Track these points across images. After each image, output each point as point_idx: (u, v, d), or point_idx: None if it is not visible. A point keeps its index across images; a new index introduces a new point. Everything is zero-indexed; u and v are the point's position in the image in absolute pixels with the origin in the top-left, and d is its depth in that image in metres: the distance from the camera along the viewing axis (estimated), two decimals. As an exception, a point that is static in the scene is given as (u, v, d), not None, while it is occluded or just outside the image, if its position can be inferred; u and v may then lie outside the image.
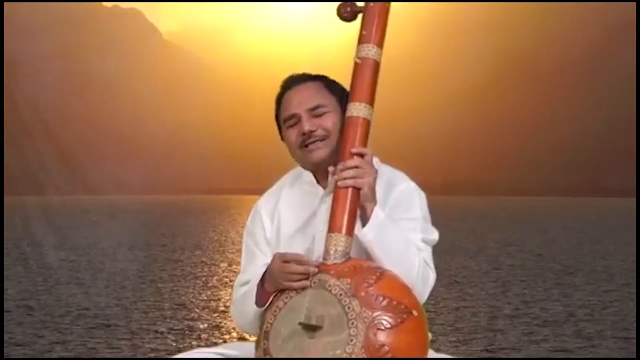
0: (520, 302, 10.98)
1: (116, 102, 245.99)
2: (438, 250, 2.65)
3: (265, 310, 2.52)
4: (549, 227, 33.49)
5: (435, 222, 2.65)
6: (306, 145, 2.61)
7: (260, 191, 2.86)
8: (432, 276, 2.56)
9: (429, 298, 2.57)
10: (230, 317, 9.48)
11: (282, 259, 2.48)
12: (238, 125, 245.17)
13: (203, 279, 13.74)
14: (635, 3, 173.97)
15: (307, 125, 2.60)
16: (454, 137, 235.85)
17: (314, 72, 2.68)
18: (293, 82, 2.70)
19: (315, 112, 2.61)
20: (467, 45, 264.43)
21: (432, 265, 2.57)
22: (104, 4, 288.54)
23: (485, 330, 8.69)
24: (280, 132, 2.71)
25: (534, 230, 31.18)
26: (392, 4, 2.63)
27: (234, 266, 15.94)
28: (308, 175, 2.70)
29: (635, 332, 8.62)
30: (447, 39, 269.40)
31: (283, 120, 2.67)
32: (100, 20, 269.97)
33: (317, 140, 2.61)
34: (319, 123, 2.60)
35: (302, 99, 2.64)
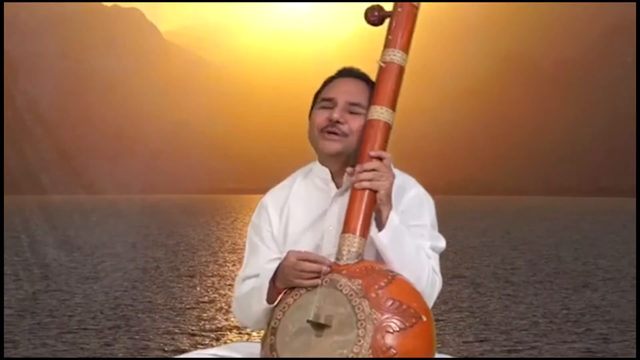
0: (523, 302, 11.01)
1: (116, 102, 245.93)
2: (445, 250, 2.72)
3: (274, 306, 2.51)
4: (552, 227, 33.49)
5: (441, 222, 2.65)
6: (327, 132, 2.61)
7: (260, 191, 2.88)
8: (438, 283, 2.57)
9: (441, 299, 2.62)
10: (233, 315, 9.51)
11: (296, 257, 2.48)
12: (238, 124, 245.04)
13: (209, 278, 13.75)
14: (635, 3, 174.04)
15: (337, 114, 2.60)
16: (454, 136, 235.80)
17: (314, 71, 2.81)
18: (350, 73, 2.70)
19: (352, 108, 2.61)
20: (467, 45, 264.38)
21: (439, 272, 2.59)
22: (104, 3, 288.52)
23: (493, 331, 8.71)
24: (311, 111, 2.70)
25: (537, 229, 31.18)
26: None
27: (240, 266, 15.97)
28: (322, 171, 2.68)
29: (635, 332, 8.64)
30: (447, 39, 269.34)
31: (321, 98, 2.67)
32: (100, 20, 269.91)
33: (337, 134, 2.60)
34: (349, 119, 2.60)
35: (349, 90, 2.64)
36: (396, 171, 2.64)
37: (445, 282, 2.59)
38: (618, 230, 31.22)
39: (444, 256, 2.62)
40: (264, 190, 2.83)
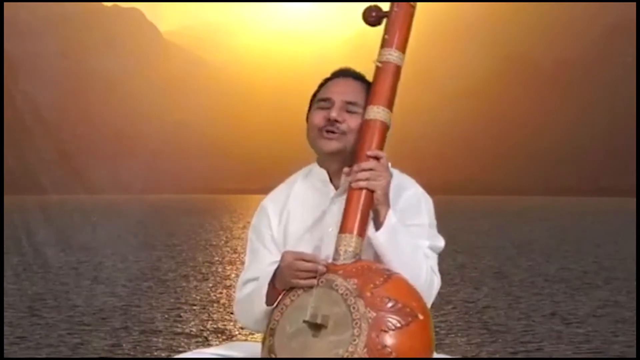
0: (525, 302, 11.02)
1: (116, 102, 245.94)
2: (448, 250, 2.70)
3: (274, 308, 2.52)
4: (552, 227, 33.50)
5: (440, 222, 2.65)
6: (325, 132, 2.63)
7: (261, 191, 2.91)
8: (437, 282, 2.57)
9: (442, 299, 2.61)
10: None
11: (292, 256, 2.49)
12: (238, 124, 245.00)
13: (211, 278, 13.75)
14: (635, 3, 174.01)
15: (335, 113, 2.62)
16: (454, 136, 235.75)
17: (314, 71, 2.84)
18: (346, 73, 2.73)
19: (349, 107, 2.63)
20: (466, 45, 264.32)
21: (437, 271, 2.59)
22: (104, 3, 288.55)
23: (494, 332, 8.72)
24: (309, 112, 2.72)
25: (537, 229, 31.19)
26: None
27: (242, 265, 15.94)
28: (321, 173, 2.70)
29: (635, 332, 8.65)
30: (447, 39, 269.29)
31: (318, 99, 2.69)
32: (100, 20, 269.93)
33: (335, 132, 2.62)
34: (347, 118, 2.62)
35: (345, 90, 2.66)
36: (395, 171, 2.66)
37: (446, 283, 2.60)
38: (618, 230, 31.23)
39: (445, 256, 2.65)
40: (264, 191, 2.83)
